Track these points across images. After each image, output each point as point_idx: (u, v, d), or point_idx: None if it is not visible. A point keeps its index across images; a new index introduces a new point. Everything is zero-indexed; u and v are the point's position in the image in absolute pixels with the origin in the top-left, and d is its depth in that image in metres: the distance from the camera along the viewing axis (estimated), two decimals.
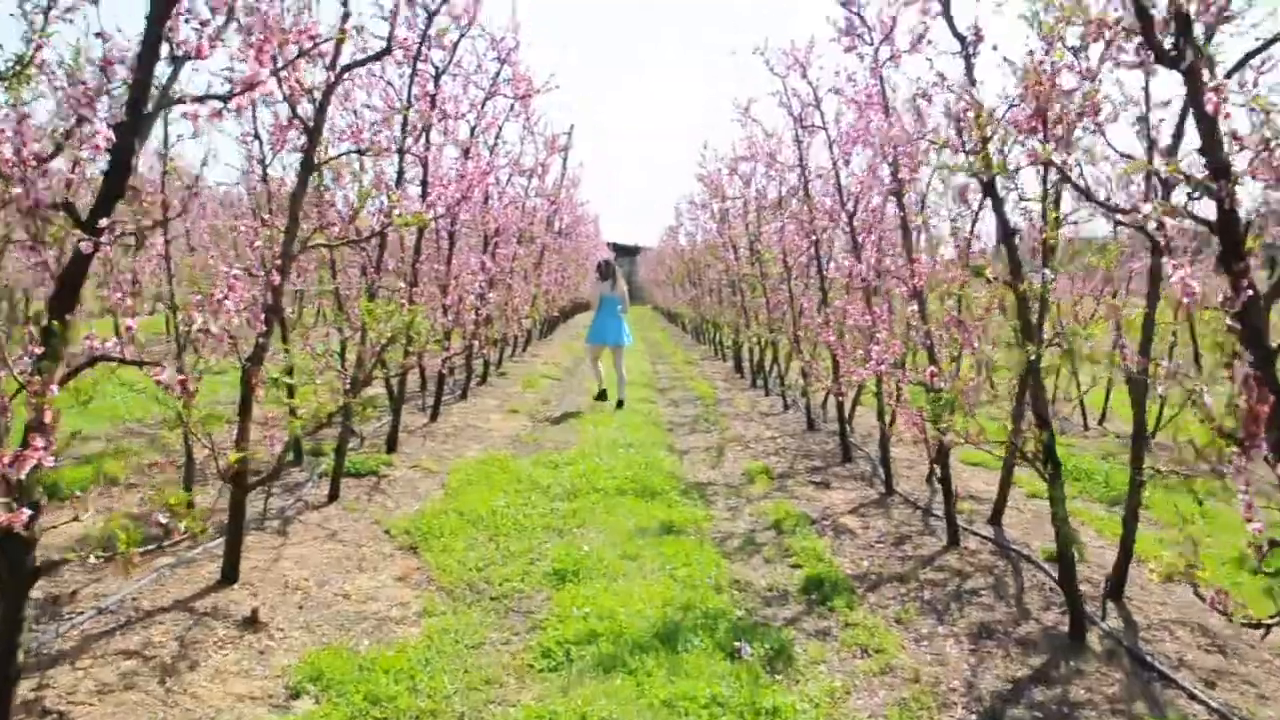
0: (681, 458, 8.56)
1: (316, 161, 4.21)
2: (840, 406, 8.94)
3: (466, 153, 8.78)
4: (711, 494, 7.19)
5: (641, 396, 12.59)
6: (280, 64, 3.37)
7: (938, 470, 6.15)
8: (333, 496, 6.17)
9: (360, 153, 4.47)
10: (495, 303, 10.38)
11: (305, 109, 4.23)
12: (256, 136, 6.43)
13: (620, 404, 11.74)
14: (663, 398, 12.90)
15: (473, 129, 8.88)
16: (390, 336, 4.77)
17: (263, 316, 4.02)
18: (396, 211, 4.45)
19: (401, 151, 6.30)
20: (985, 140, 4.31)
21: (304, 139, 4.12)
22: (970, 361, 5.82)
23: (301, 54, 3.67)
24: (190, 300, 4.13)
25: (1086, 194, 3.68)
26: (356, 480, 6.76)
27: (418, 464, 7.33)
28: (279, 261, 4.03)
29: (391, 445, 7.74)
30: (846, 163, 7.66)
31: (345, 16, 4.20)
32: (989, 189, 4.55)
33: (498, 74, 8.97)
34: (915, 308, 6.02)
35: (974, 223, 7.87)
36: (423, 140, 7.05)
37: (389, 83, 6.65)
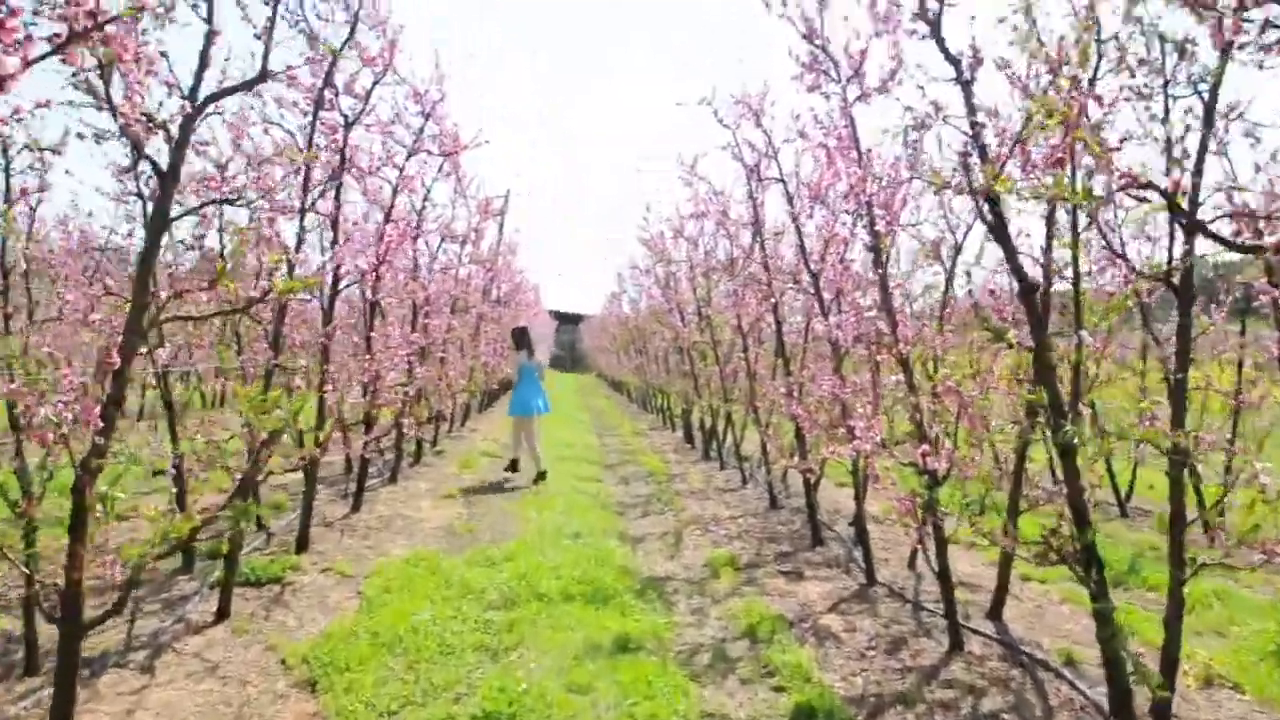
0: (635, 547, 7.64)
1: (173, 214, 3.32)
2: (807, 484, 8.13)
3: (388, 215, 7.94)
4: (672, 592, 6.28)
5: (588, 474, 11.66)
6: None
7: (932, 562, 5.33)
8: (222, 614, 5.15)
9: (226, 202, 3.59)
10: (427, 377, 9.44)
11: (161, 150, 3.35)
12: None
13: (541, 476, 10.93)
14: (611, 475, 11.99)
15: (395, 188, 8.05)
16: (277, 428, 3.86)
17: (98, 410, 3.09)
18: (280, 275, 3.56)
19: (303, 210, 5.43)
20: (996, 178, 3.59)
21: (155, 185, 3.24)
22: (966, 437, 5.06)
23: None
24: (20, 389, 3.20)
25: (1110, 248, 2.96)
26: (255, 590, 5.73)
27: (331, 566, 6.32)
28: (120, 340, 3.12)
29: (302, 544, 6.71)
30: (810, 215, 6.97)
31: (210, 36, 3.37)
32: (999, 234, 3.81)
33: (421, 129, 8.18)
34: (900, 376, 5.26)
35: (949, 281, 7.21)
36: (331, 197, 6.20)
37: (289, 131, 5.79)
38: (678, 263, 12.59)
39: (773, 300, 8.08)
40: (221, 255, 5.41)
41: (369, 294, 8.06)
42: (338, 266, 6.40)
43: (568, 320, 60.89)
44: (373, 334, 7.68)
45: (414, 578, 6.05)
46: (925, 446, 5.03)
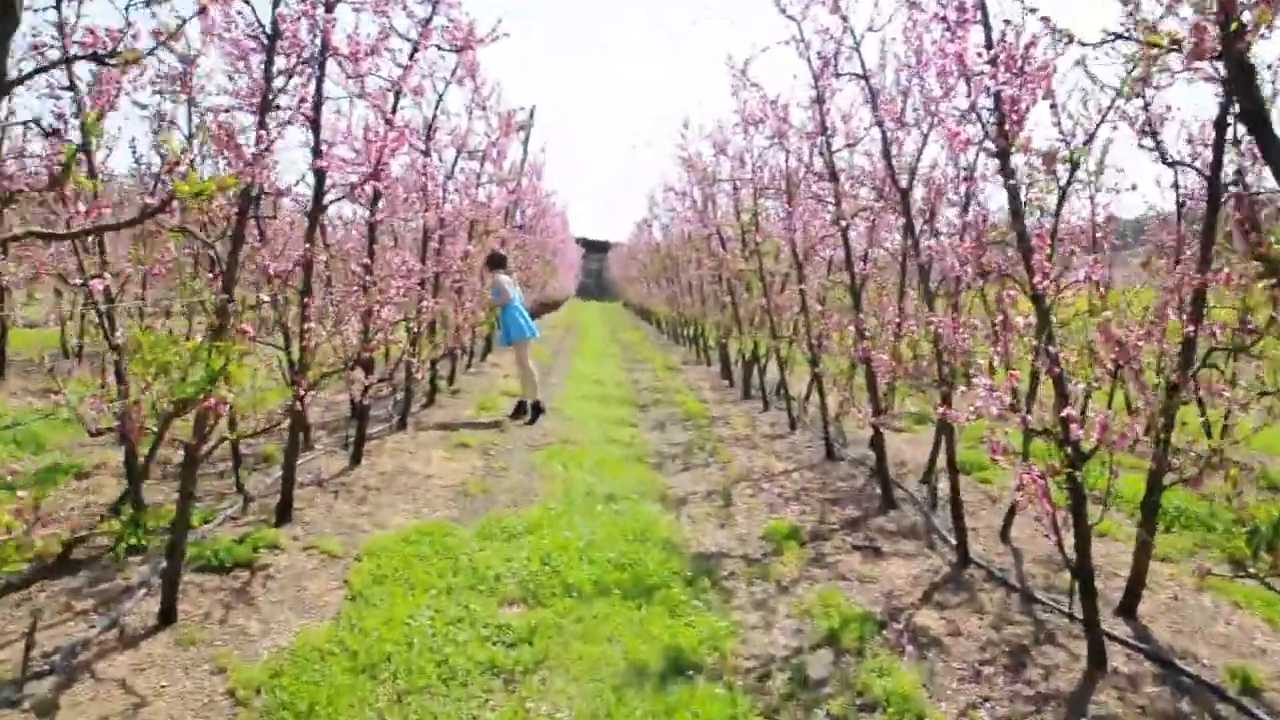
0: (679, 511, 6.53)
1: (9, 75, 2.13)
2: (878, 438, 6.95)
3: (389, 120, 6.69)
4: (727, 576, 5.17)
5: (620, 417, 10.53)
6: None
7: (1070, 556, 4.16)
8: (167, 616, 4.07)
9: (99, 60, 2.37)
10: (434, 310, 8.25)
11: None
12: None
13: (537, 409, 10.10)
14: (645, 417, 10.85)
15: (397, 90, 6.78)
16: (185, 396, 2.73)
17: None
18: (179, 172, 2.38)
19: (266, 101, 4.20)
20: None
21: None
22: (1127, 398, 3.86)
23: None
24: None
25: None
26: (218, 578, 4.65)
27: (315, 544, 5.23)
28: None
29: (283, 513, 5.63)
30: (900, 122, 5.67)
31: None
32: (1259, 122, 2.54)
33: (429, 19, 6.88)
34: (1034, 318, 4.02)
35: (1062, 199, 5.92)
36: (310, 89, 4.97)
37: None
38: (721, 181, 11.23)
39: (843, 222, 6.80)
40: (85, 145, 4.18)
41: (367, 213, 6.87)
42: (319, 176, 5.20)
43: (595, 248, 59.64)
44: (372, 261, 6.50)
45: (413, 561, 4.95)
46: (1069, 410, 3.83)
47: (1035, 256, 3.94)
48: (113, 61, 2.26)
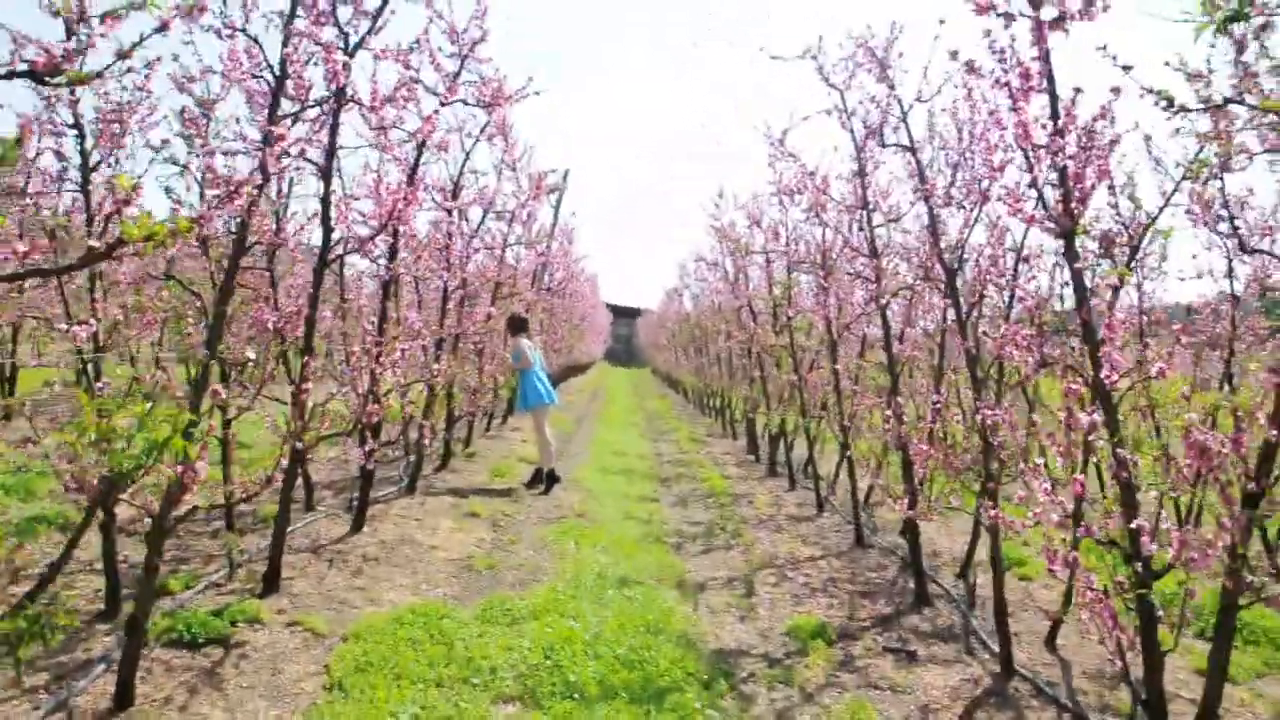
0: (696, 599, 6.07)
1: None
2: (912, 530, 6.48)
3: (412, 175, 6.46)
4: (746, 678, 4.71)
5: (641, 492, 10.09)
6: None
7: (1139, 686, 3.68)
8: (122, 700, 3.67)
9: (38, 79, 2.05)
10: (445, 373, 7.92)
11: None
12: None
13: (552, 477, 9.71)
14: (667, 492, 10.40)
15: (420, 142, 6.55)
16: (121, 468, 2.38)
17: None
18: (130, 215, 2.05)
19: (267, 140, 3.92)
20: None
21: None
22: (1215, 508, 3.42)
23: None
24: None
25: None
26: (189, 654, 4.25)
27: (300, 620, 4.82)
28: None
29: (270, 583, 5.24)
30: (949, 198, 5.33)
31: None
32: None
33: (457, 74, 6.68)
34: (1100, 415, 3.61)
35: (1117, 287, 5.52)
36: (324, 134, 4.71)
37: (254, 38, 4.28)
38: (754, 253, 10.92)
39: (882, 300, 6.44)
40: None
41: (382, 269, 6.58)
42: (326, 228, 4.91)
43: (624, 314, 59.68)
44: (384, 320, 6.20)
45: (403, 647, 4.53)
46: (1141, 522, 3.39)
47: (1104, 348, 3.54)
48: (54, 80, 1.96)
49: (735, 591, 6.38)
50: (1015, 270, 5.36)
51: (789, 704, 4.46)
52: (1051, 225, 3.90)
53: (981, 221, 5.47)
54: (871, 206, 6.49)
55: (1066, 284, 4.50)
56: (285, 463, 4.24)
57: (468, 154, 8.60)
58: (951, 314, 5.37)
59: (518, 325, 10.01)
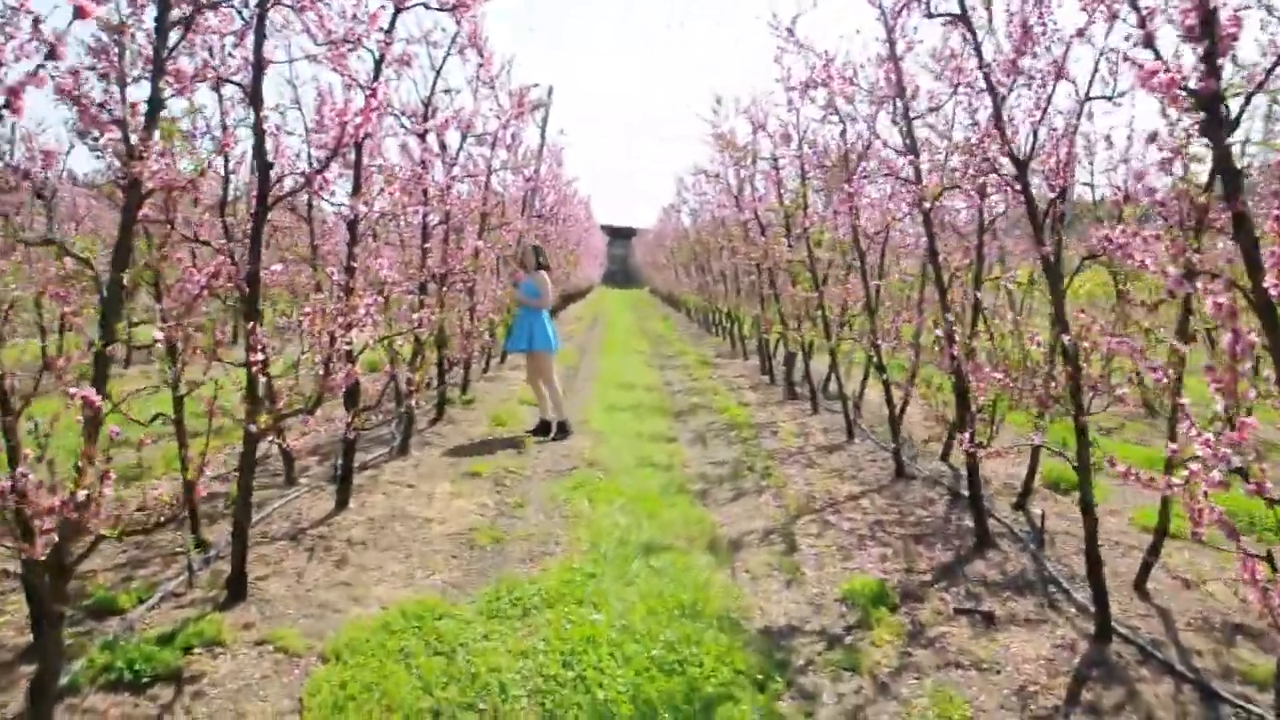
0: (733, 562, 5.31)
1: None
2: (972, 465, 5.69)
3: (373, 94, 5.49)
4: (808, 673, 3.94)
5: (655, 430, 9.28)
6: None
7: None
8: None
9: None
10: (431, 322, 7.00)
11: None
12: None
13: (563, 429, 8.81)
14: (683, 427, 9.61)
15: (379, 57, 5.58)
16: None
17: None
18: None
19: (162, 58, 2.99)
20: None
21: None
22: None
23: None
24: None
25: None
26: (131, 699, 3.47)
27: (271, 636, 4.03)
28: None
29: (235, 589, 4.44)
30: (1017, 71, 4.39)
31: None
32: None
33: None
34: (1255, 334, 2.76)
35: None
36: (247, 45, 3.77)
37: None
38: (763, 160, 9.94)
39: (925, 204, 5.53)
40: None
41: (344, 208, 5.67)
42: (263, 163, 4.00)
43: (620, 235, 58.61)
44: (352, 269, 5.31)
45: (395, 662, 3.75)
46: None
47: (1273, 249, 2.66)
48: None
49: (775, 548, 5.61)
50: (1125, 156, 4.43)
51: (860, 699, 3.71)
52: (1189, 91, 2.98)
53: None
54: (909, 94, 5.54)
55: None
56: (255, 440, 3.40)
57: (438, 71, 7.58)
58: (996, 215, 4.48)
59: (540, 257, 8.99)
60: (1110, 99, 4.29)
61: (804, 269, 9.13)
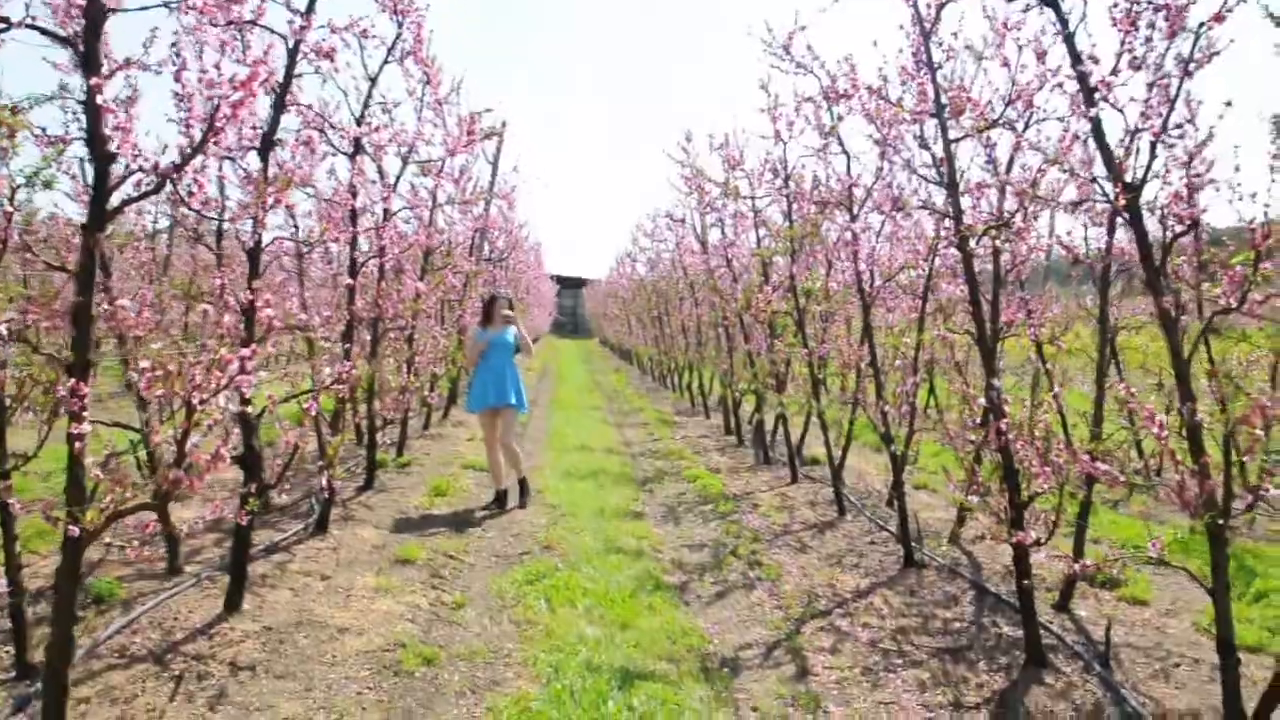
0: (733, 692, 4.13)
1: None
2: (1021, 562, 4.60)
3: (284, 87, 4.37)
4: None
5: (619, 504, 8.06)
6: None
7: None
8: None
9: None
10: (350, 376, 5.73)
11: None
12: None
13: (523, 494, 7.77)
14: (651, 500, 8.41)
15: (293, 45, 4.45)
16: None
17: None
18: None
19: None
20: None
21: None
22: None
23: None
24: None
25: None
26: None
27: None
28: None
29: None
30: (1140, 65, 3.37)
31: None
32: None
33: None
34: None
35: None
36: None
37: None
38: (744, 199, 8.88)
39: (972, 244, 4.48)
40: None
41: (249, 235, 4.46)
42: (100, 156, 2.81)
43: (569, 284, 57.68)
44: (252, 306, 4.11)
45: None
46: None
47: None
48: None
49: (782, 670, 4.44)
50: None
51: None
52: None
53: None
54: (947, 111, 4.51)
55: None
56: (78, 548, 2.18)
57: (373, 79, 6.45)
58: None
59: (510, 307, 7.92)
60: None
61: (790, 320, 8.07)
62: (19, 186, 4.11)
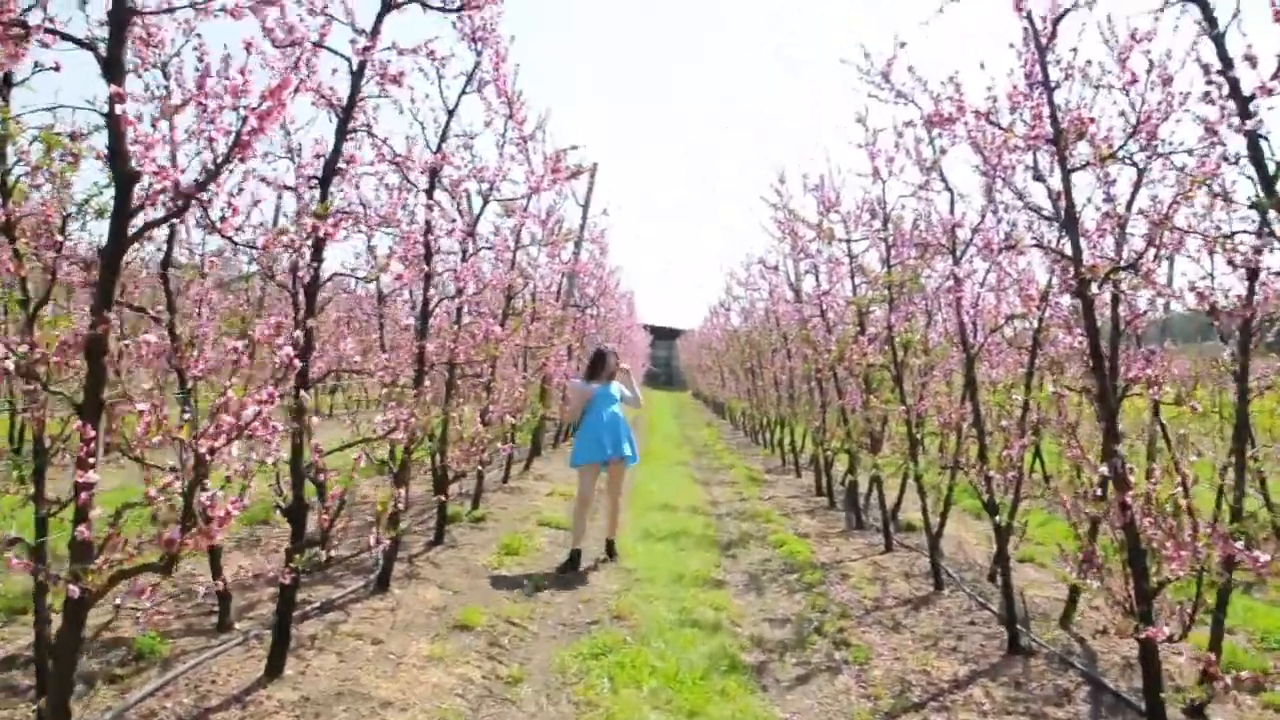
0: None
1: None
2: (1152, 669, 3.96)
3: (347, 115, 4.13)
4: None
5: (699, 570, 7.52)
6: None
7: None
8: None
9: None
10: (406, 424, 5.34)
11: None
12: None
13: (610, 552, 7.58)
14: (734, 566, 7.87)
15: (357, 67, 4.23)
16: None
17: None
18: None
19: None
20: None
21: None
22: None
23: None
24: None
25: None
26: None
27: None
28: None
29: None
30: None
31: None
32: None
33: None
34: None
35: None
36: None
37: None
38: (840, 242, 8.41)
39: (1093, 288, 3.94)
40: None
41: (303, 269, 4.21)
42: (124, 170, 2.55)
43: (663, 335, 57.52)
44: (307, 347, 3.84)
45: None
46: None
47: None
48: None
49: None
50: None
51: None
52: None
53: None
54: (1067, 138, 4.00)
55: None
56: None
57: (451, 111, 6.21)
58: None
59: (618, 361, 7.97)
60: None
61: (886, 375, 7.51)
62: (68, 216, 3.95)
